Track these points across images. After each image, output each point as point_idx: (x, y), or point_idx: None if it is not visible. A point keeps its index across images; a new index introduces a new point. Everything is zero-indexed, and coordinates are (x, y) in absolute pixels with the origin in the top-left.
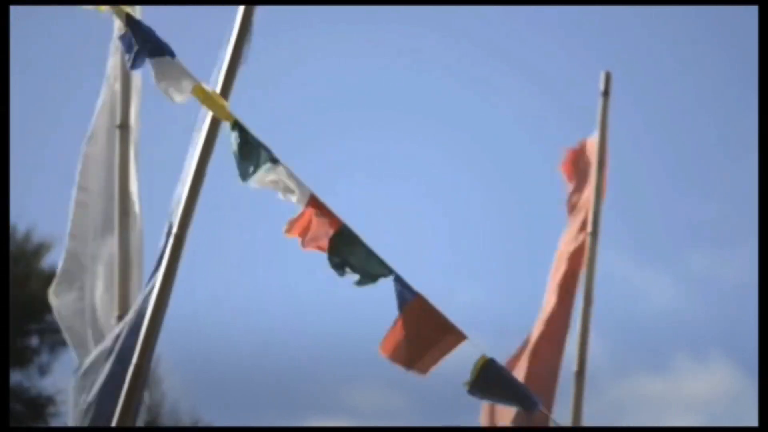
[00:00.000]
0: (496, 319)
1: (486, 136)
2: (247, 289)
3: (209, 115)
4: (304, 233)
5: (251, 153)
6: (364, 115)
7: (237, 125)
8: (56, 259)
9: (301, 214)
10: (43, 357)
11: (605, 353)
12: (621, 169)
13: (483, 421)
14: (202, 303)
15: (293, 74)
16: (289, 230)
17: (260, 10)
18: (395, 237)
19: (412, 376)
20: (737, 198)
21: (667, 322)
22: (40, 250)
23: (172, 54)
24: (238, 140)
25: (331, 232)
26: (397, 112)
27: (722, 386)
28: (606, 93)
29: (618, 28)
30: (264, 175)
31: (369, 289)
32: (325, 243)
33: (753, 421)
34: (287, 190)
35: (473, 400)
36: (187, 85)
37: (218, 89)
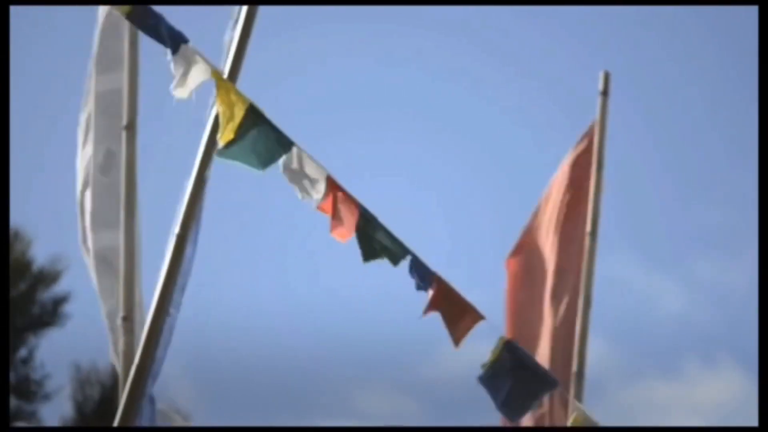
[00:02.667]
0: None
1: (484, 136)
2: (256, 291)
3: (213, 111)
4: (333, 213)
5: (267, 139)
6: (363, 115)
7: (252, 110)
8: (36, 252)
9: (327, 196)
10: (23, 350)
11: (614, 358)
12: (624, 173)
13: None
14: (209, 305)
15: (291, 75)
16: (320, 207)
17: (262, 11)
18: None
19: (421, 378)
20: (743, 204)
21: (675, 328)
22: (16, 241)
23: (186, 41)
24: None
25: (355, 214)
26: (394, 113)
27: (730, 390)
28: (605, 93)
29: (617, 28)
30: (286, 162)
31: (376, 290)
32: (351, 227)
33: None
34: (305, 177)
35: (482, 402)
36: (204, 71)
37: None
